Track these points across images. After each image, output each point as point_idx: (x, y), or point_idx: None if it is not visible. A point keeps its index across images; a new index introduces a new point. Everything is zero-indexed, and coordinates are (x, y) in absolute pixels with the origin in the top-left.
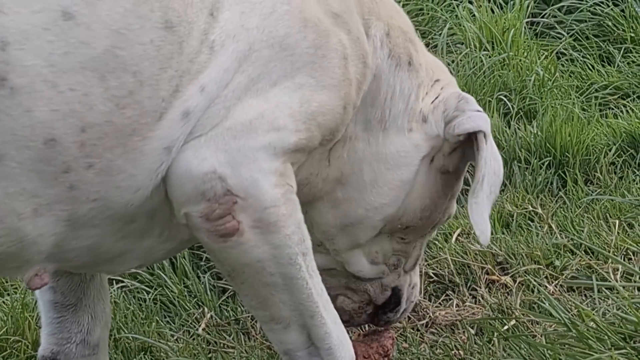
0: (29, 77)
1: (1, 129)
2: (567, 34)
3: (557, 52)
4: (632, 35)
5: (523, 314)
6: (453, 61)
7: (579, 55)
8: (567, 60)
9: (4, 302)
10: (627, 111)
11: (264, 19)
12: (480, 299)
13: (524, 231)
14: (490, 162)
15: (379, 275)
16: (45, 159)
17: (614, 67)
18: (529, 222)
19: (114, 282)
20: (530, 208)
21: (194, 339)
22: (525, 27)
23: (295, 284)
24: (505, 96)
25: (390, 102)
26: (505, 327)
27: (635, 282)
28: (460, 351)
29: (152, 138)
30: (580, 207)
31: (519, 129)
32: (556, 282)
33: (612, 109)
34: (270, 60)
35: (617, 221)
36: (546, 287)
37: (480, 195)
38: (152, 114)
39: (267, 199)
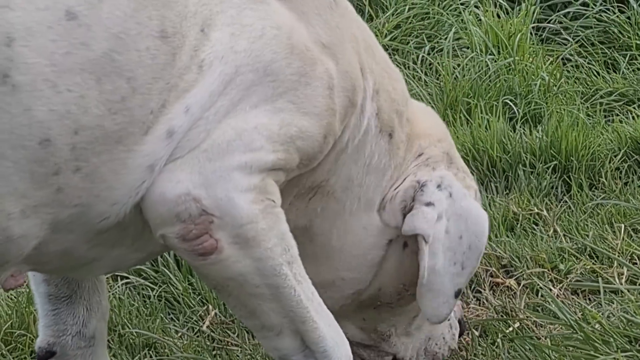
0: (31, 75)
1: (0, 127)
2: (573, 40)
3: (562, 58)
4: (638, 42)
5: (528, 316)
6: (459, 65)
7: (585, 61)
8: (572, 66)
9: (8, 296)
10: (632, 117)
11: (252, 42)
12: (485, 301)
13: (528, 234)
14: (447, 249)
15: (370, 343)
16: (39, 159)
17: (619, 73)
18: (534, 225)
19: (119, 278)
20: (535, 211)
21: (198, 336)
22: (531, 32)
23: (282, 292)
24: (511, 100)
25: (367, 169)
26: (510, 329)
27: None
28: (464, 352)
29: (136, 152)
30: (585, 211)
31: (524, 133)
32: (561, 285)
33: (618, 115)
34: (252, 84)
35: (622, 226)
36: (551, 290)
37: (435, 284)
38: (140, 125)
39: (243, 215)
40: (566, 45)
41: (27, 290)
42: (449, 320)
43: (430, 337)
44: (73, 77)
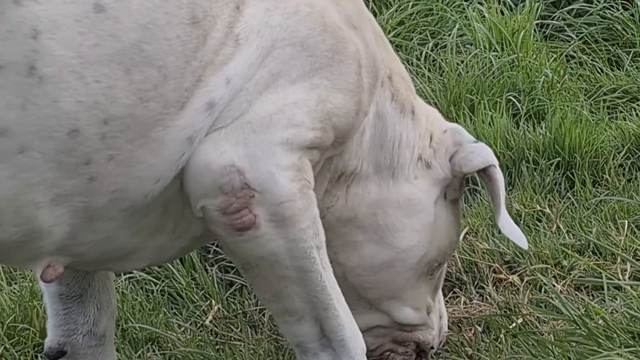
0: (57, 67)
1: (28, 119)
2: (577, 37)
3: (566, 55)
4: None
5: (531, 312)
6: (462, 61)
7: (588, 58)
8: (576, 63)
9: (12, 290)
10: (636, 114)
11: (287, 18)
12: (488, 297)
13: (531, 231)
14: (502, 184)
15: (423, 321)
16: (68, 150)
17: (622, 70)
18: (537, 222)
19: (122, 272)
20: (539, 208)
21: (201, 331)
22: (534, 29)
23: (310, 276)
24: (515, 97)
25: (398, 149)
26: (513, 325)
27: None
28: (467, 348)
29: (173, 128)
30: (588, 208)
31: (527, 129)
32: (564, 281)
33: (621, 112)
34: (291, 58)
35: (625, 222)
36: (554, 286)
37: (504, 215)
38: (175, 104)
39: (283, 193)
40: (570, 42)
41: (31, 284)
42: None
43: (441, 316)
44: (101, 68)
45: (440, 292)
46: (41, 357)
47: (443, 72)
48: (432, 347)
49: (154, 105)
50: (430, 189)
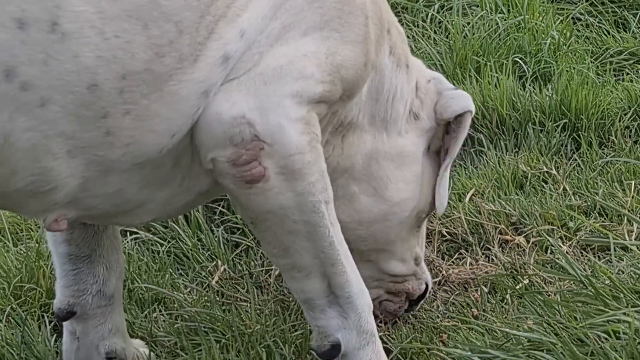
0: (79, 22)
1: (49, 74)
2: None
3: (572, 17)
4: None
5: (537, 273)
6: (469, 23)
7: (595, 20)
8: (582, 25)
9: (18, 251)
10: None
11: None
12: (494, 258)
13: (538, 192)
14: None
15: (412, 272)
16: (86, 103)
17: (629, 32)
18: (543, 183)
19: (128, 233)
20: (545, 169)
21: (207, 291)
22: None
23: (318, 231)
24: (521, 59)
25: (392, 102)
26: (519, 286)
27: None
28: (473, 309)
29: (189, 82)
30: (594, 169)
31: (534, 91)
32: (570, 242)
33: (628, 73)
34: (302, 10)
35: (632, 183)
36: (560, 247)
37: (448, 165)
38: (189, 59)
39: (293, 145)
40: (576, 4)
41: (37, 245)
42: None
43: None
44: (120, 23)
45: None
46: (48, 316)
47: (449, 34)
48: (421, 296)
49: (169, 60)
50: (418, 141)
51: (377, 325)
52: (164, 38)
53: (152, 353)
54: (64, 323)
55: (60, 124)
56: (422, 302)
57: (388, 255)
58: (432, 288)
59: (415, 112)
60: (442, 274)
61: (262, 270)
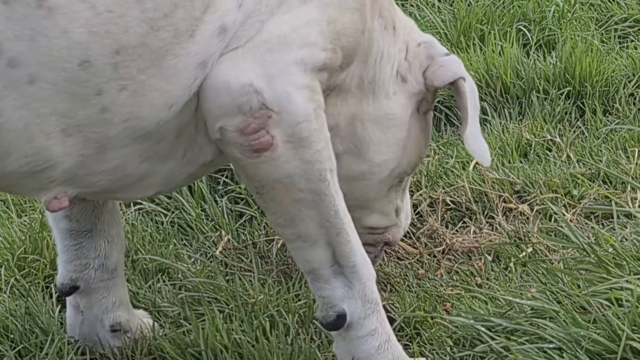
0: None
1: (37, 50)
2: None
3: None
4: None
5: (540, 241)
6: None
7: None
8: None
9: (22, 222)
10: None
11: None
12: (498, 226)
13: (541, 160)
14: (473, 97)
15: (393, 223)
16: (79, 80)
17: None
18: (547, 151)
19: (132, 204)
20: (549, 137)
21: (211, 261)
22: None
23: (324, 200)
24: (525, 27)
25: (380, 65)
26: (523, 254)
27: None
28: (477, 277)
29: (186, 55)
30: (598, 137)
31: (538, 59)
32: (574, 210)
33: (632, 41)
34: None
35: (635, 151)
36: (564, 215)
37: (471, 127)
38: (185, 33)
39: (300, 113)
40: None
41: (41, 216)
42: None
43: (407, 215)
44: None
45: (407, 194)
46: (52, 288)
47: (453, 1)
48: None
49: (164, 34)
50: (406, 104)
51: (380, 294)
52: (158, 11)
53: (155, 323)
54: (68, 297)
55: (52, 102)
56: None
57: (368, 211)
58: (433, 254)
59: (402, 75)
60: (446, 243)
61: (265, 240)
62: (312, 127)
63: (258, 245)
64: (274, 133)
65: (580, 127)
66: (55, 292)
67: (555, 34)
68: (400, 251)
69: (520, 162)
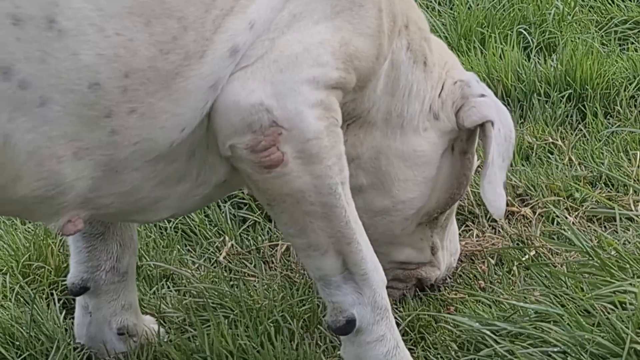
0: (77, 19)
1: (47, 72)
2: None
3: None
4: None
5: (543, 244)
6: None
7: None
8: None
9: (26, 229)
10: None
11: None
12: (500, 229)
13: (543, 163)
14: (500, 143)
15: (427, 260)
16: (88, 103)
17: (634, 1)
18: (549, 154)
19: None
20: (550, 140)
21: (215, 267)
22: None
23: (335, 212)
24: (525, 29)
25: (408, 99)
26: (526, 257)
27: None
28: (480, 281)
29: (195, 76)
30: (600, 139)
31: (538, 62)
32: (576, 213)
33: (633, 43)
34: (311, 2)
35: (637, 153)
36: (566, 218)
37: (492, 175)
38: (195, 55)
39: (310, 130)
40: None
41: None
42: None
43: (452, 254)
44: (121, 21)
45: (453, 230)
46: (57, 294)
47: (453, 5)
48: (432, 284)
49: (174, 57)
50: (437, 141)
51: None
52: (167, 35)
53: (160, 329)
54: (77, 298)
55: (62, 125)
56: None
57: (397, 246)
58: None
59: (435, 112)
60: None
61: (269, 246)
62: (323, 144)
63: (262, 251)
64: (284, 149)
65: (581, 130)
66: (60, 299)
67: (555, 37)
68: None
69: (522, 165)
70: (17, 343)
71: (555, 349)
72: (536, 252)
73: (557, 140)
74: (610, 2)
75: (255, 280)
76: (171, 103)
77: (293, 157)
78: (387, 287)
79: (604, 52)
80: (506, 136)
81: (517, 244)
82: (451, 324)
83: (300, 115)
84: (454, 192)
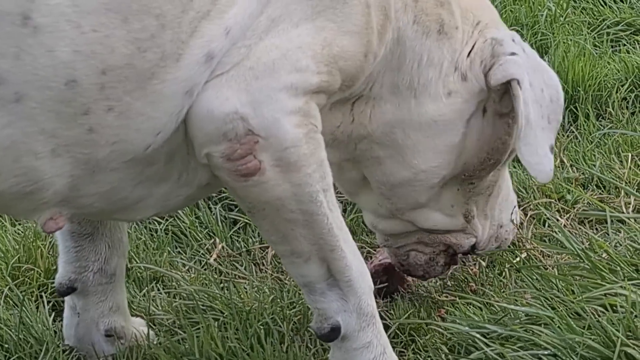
0: (53, 16)
1: (22, 69)
2: None
3: None
4: None
5: (535, 246)
6: None
7: None
8: None
9: (16, 231)
10: (639, 47)
11: None
12: None
13: None
14: (544, 104)
15: (458, 228)
16: (66, 100)
17: (626, 3)
18: None
19: None
20: None
21: (205, 269)
22: None
23: (316, 219)
24: (517, 31)
25: (418, 70)
26: (517, 259)
27: None
28: (472, 283)
29: (172, 80)
30: (592, 141)
31: None
32: (568, 215)
33: (625, 45)
34: (291, 3)
35: (629, 155)
36: (558, 220)
37: (529, 137)
38: (172, 56)
39: (288, 138)
40: None
41: (35, 224)
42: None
43: (501, 225)
44: (98, 17)
45: (506, 199)
46: (46, 297)
47: None
48: (466, 252)
49: (151, 55)
50: (463, 106)
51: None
52: (145, 32)
53: (150, 331)
54: (66, 298)
55: (39, 121)
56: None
57: (423, 212)
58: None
59: (463, 73)
60: None
61: (259, 248)
62: (302, 151)
63: (252, 253)
64: (261, 158)
65: (573, 132)
66: (50, 301)
67: (547, 38)
68: None
69: (514, 167)
70: (6, 346)
71: (546, 352)
72: (527, 254)
73: None
74: (603, 3)
75: (245, 283)
76: (147, 105)
77: (271, 165)
78: (411, 251)
79: (596, 53)
80: (552, 97)
81: (509, 246)
82: (442, 327)
83: (277, 123)
84: (488, 157)
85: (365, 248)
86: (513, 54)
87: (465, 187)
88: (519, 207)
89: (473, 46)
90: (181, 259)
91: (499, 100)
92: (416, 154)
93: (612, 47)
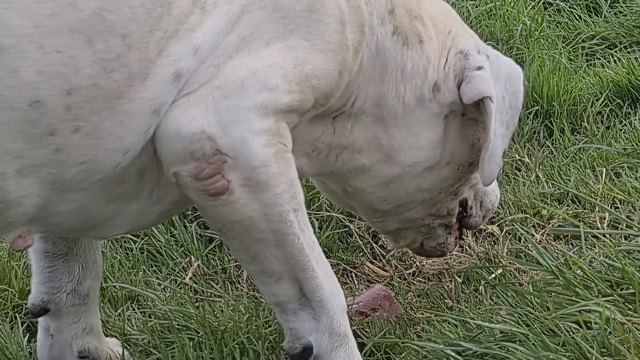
0: (15, 37)
1: None
2: None
3: (544, 2)
4: None
5: (510, 263)
6: None
7: (566, 5)
8: (554, 10)
9: None
10: (614, 61)
11: None
12: (467, 248)
13: (510, 180)
14: (503, 111)
15: (469, 196)
16: (31, 120)
17: (601, 17)
18: (516, 171)
19: None
20: (517, 157)
21: (181, 288)
22: None
23: (287, 239)
24: (493, 46)
25: (402, 78)
26: (492, 276)
27: (621, 229)
28: (447, 300)
29: (139, 100)
30: (567, 156)
31: None
32: (543, 231)
33: (599, 59)
34: (262, 21)
35: (603, 170)
36: (533, 235)
37: (494, 147)
38: (139, 76)
39: (256, 158)
40: None
41: (9, 245)
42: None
43: (485, 193)
44: (61, 38)
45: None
46: (20, 317)
47: None
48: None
49: (118, 75)
50: (439, 110)
51: (350, 319)
52: (111, 52)
53: (125, 352)
54: (39, 319)
55: (4, 142)
56: (474, 219)
57: (426, 204)
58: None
59: (437, 85)
60: (416, 265)
61: (235, 266)
62: (271, 171)
63: (228, 271)
64: (229, 177)
65: (549, 147)
66: (24, 322)
67: (523, 53)
68: (370, 274)
69: None
70: None
71: None
72: (503, 270)
73: (525, 157)
74: (578, 17)
75: (221, 302)
76: (115, 125)
77: (239, 185)
78: (425, 239)
79: (571, 67)
80: (511, 103)
81: (484, 263)
82: (417, 345)
83: (246, 143)
84: (473, 148)
85: (341, 265)
86: (479, 67)
87: (451, 175)
88: (495, 223)
89: (447, 57)
90: (157, 278)
91: (474, 110)
92: (402, 151)
93: (587, 60)
